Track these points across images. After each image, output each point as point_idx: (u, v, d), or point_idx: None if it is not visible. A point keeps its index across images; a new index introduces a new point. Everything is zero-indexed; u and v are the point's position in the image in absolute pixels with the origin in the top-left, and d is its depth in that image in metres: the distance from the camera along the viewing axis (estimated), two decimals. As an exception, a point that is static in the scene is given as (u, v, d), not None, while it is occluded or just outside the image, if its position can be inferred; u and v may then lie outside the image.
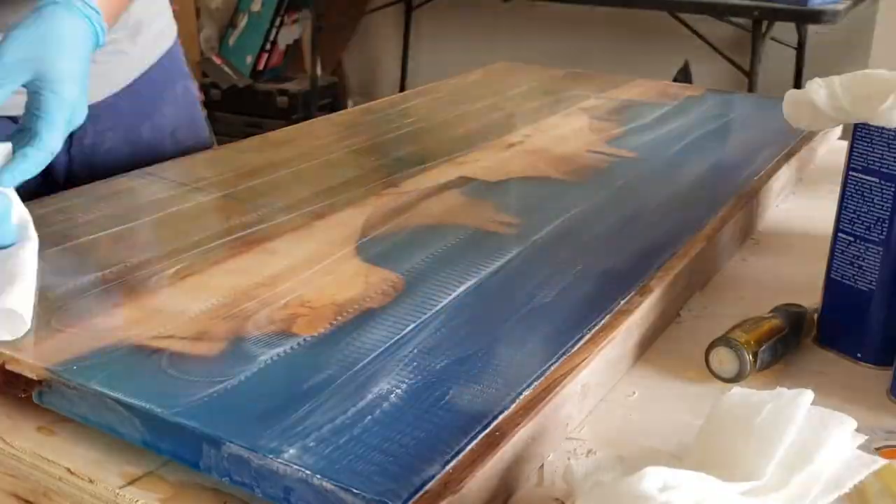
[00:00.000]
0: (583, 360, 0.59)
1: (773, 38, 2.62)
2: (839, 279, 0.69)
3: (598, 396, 0.62)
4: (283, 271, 0.70)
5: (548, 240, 0.79)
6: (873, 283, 0.67)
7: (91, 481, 0.52)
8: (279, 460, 0.48)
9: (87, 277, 0.69)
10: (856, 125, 0.67)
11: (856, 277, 0.68)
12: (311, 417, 0.52)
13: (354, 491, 0.46)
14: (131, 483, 0.51)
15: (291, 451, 0.49)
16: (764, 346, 0.65)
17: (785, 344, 0.67)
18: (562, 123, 1.16)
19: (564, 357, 0.60)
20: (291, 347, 0.60)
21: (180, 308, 0.64)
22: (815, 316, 0.71)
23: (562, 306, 0.67)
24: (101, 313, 0.63)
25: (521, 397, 0.55)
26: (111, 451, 0.54)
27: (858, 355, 0.68)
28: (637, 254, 0.76)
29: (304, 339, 0.61)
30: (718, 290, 0.80)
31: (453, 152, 1.01)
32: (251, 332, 0.61)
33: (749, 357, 0.64)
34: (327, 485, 0.47)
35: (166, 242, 0.76)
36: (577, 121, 1.17)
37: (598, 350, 0.61)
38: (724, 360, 0.64)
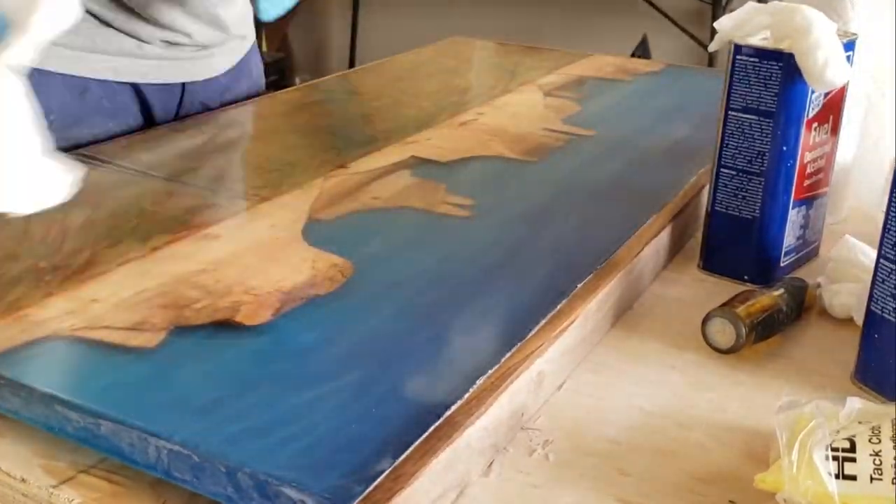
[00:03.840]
0: (538, 348, 0.58)
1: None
2: (723, 210, 0.76)
3: (554, 385, 0.61)
4: (226, 257, 0.68)
5: (502, 222, 0.78)
6: (756, 211, 0.74)
7: (23, 480, 0.50)
8: (221, 455, 0.46)
9: (18, 266, 0.66)
10: (733, 68, 0.73)
11: (740, 207, 0.75)
12: (255, 410, 0.51)
13: (300, 487, 0.45)
14: (66, 482, 0.49)
15: (235, 445, 0.47)
16: (761, 319, 0.65)
17: (784, 317, 0.67)
18: (517, 101, 1.15)
19: (519, 345, 0.58)
20: (234, 337, 0.58)
21: (117, 297, 0.62)
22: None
23: (517, 292, 0.66)
24: (34, 303, 0.61)
25: (475, 387, 0.53)
26: (45, 447, 0.52)
27: (746, 277, 0.75)
28: (595, 236, 0.75)
29: (248, 328, 0.59)
30: (678, 273, 0.79)
31: (404, 131, 0.99)
32: (192, 322, 0.59)
33: (744, 329, 0.63)
34: (272, 481, 0.45)
35: (103, 228, 0.73)
36: (533, 98, 1.16)
37: (554, 337, 0.59)
38: (719, 330, 0.64)
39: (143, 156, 0.90)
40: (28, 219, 0.73)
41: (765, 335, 0.66)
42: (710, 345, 0.65)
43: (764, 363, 0.65)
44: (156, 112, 1.03)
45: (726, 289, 0.72)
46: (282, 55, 3.55)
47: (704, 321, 0.65)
